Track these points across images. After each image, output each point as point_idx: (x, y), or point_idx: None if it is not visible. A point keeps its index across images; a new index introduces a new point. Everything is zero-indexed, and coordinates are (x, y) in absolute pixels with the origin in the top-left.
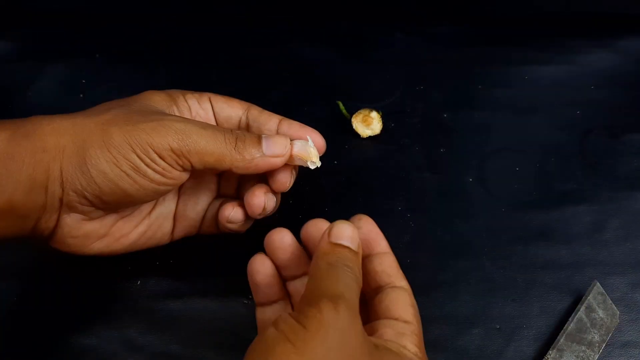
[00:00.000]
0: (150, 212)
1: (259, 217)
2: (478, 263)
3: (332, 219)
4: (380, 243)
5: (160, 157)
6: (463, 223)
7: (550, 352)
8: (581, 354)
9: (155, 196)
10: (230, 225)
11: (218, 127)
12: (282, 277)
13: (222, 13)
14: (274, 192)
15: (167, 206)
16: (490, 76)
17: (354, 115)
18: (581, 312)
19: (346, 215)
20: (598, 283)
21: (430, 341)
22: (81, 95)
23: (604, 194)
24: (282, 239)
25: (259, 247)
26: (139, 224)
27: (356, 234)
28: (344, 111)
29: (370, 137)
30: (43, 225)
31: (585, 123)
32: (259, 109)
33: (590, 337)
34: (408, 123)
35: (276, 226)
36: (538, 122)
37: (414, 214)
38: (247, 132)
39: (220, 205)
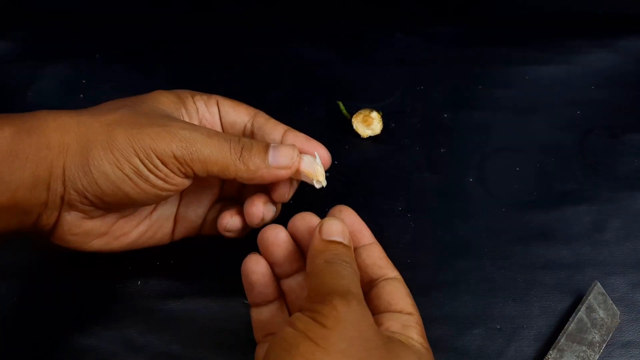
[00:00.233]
0: (151, 213)
1: (257, 227)
2: (478, 263)
3: None
4: (364, 234)
5: (163, 164)
6: (463, 223)
7: (550, 352)
8: (582, 354)
9: (156, 200)
10: (228, 234)
11: (225, 135)
12: (276, 275)
13: (222, 13)
14: (274, 202)
15: (169, 207)
16: (490, 76)
17: (354, 116)
18: (582, 312)
19: None
20: (599, 283)
21: (431, 341)
22: (81, 95)
23: (604, 194)
24: (277, 235)
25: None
26: (139, 223)
27: (346, 228)
28: (344, 111)
29: (370, 137)
30: (44, 221)
31: (585, 123)
32: (266, 116)
33: (590, 337)
34: (408, 123)
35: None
36: (538, 122)
37: (414, 214)
38: (254, 140)
39: (221, 209)
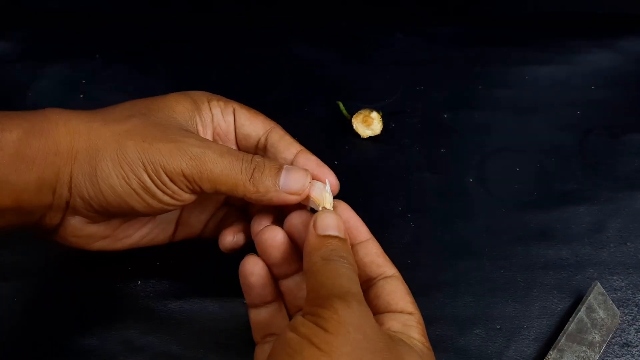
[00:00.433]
0: (154, 217)
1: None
2: (478, 263)
3: None
4: (361, 230)
5: (172, 181)
6: (463, 223)
7: (551, 352)
8: (582, 355)
9: (161, 212)
10: (227, 251)
11: (238, 153)
12: (274, 276)
13: (222, 13)
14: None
15: (172, 212)
16: (490, 76)
17: (354, 116)
18: (582, 313)
19: None
20: (599, 283)
21: (431, 341)
22: (81, 96)
23: (604, 194)
24: (274, 237)
25: None
26: (142, 227)
27: (340, 221)
28: (344, 111)
29: (370, 137)
30: (47, 221)
31: (585, 123)
32: (281, 132)
33: (590, 338)
34: (408, 123)
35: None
36: (538, 122)
37: (414, 214)
38: (267, 160)
39: (224, 216)
